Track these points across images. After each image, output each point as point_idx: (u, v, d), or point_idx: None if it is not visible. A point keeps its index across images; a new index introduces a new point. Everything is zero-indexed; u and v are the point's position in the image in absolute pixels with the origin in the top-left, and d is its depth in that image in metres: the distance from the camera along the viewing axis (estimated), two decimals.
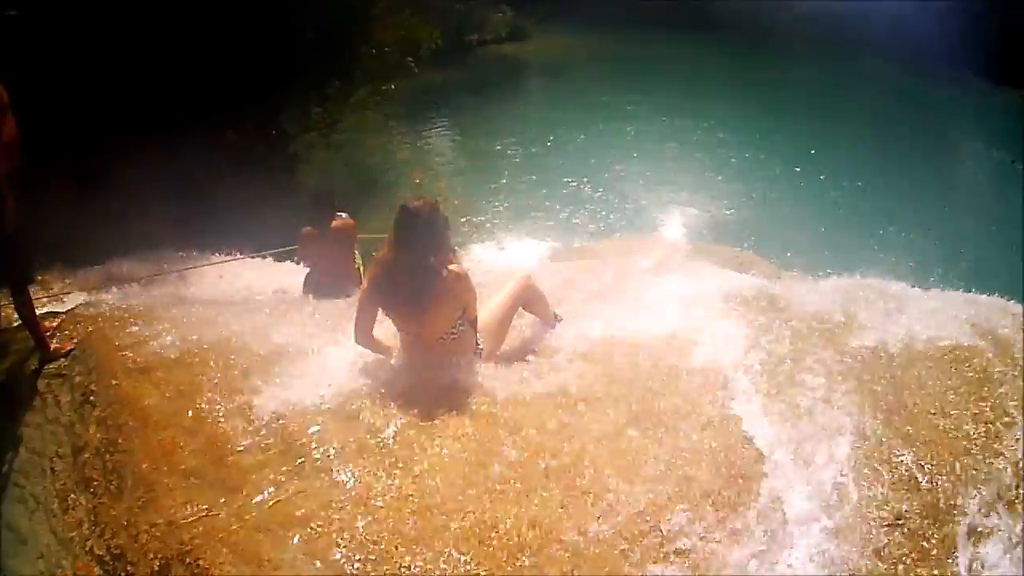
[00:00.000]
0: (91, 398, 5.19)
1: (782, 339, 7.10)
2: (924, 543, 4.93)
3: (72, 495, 4.66)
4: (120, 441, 4.85)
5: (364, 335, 6.12)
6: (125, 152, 10.76)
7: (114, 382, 5.36)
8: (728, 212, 18.47)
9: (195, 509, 4.65)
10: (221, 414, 5.46)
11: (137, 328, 6.43)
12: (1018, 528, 5.18)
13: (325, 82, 15.92)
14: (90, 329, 6.41)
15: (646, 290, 8.51)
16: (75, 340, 6.60)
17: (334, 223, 9.27)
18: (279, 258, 10.48)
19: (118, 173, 10.46)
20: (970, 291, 8.72)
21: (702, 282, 8.79)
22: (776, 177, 20.85)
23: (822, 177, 20.98)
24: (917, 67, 31.83)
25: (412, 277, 5.87)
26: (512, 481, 5.10)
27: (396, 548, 4.50)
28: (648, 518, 4.86)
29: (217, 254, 9.90)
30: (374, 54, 17.05)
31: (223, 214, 10.65)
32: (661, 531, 4.79)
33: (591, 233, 16.92)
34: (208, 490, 4.81)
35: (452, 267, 5.98)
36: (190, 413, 5.40)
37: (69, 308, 7.72)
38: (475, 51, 31.74)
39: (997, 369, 6.73)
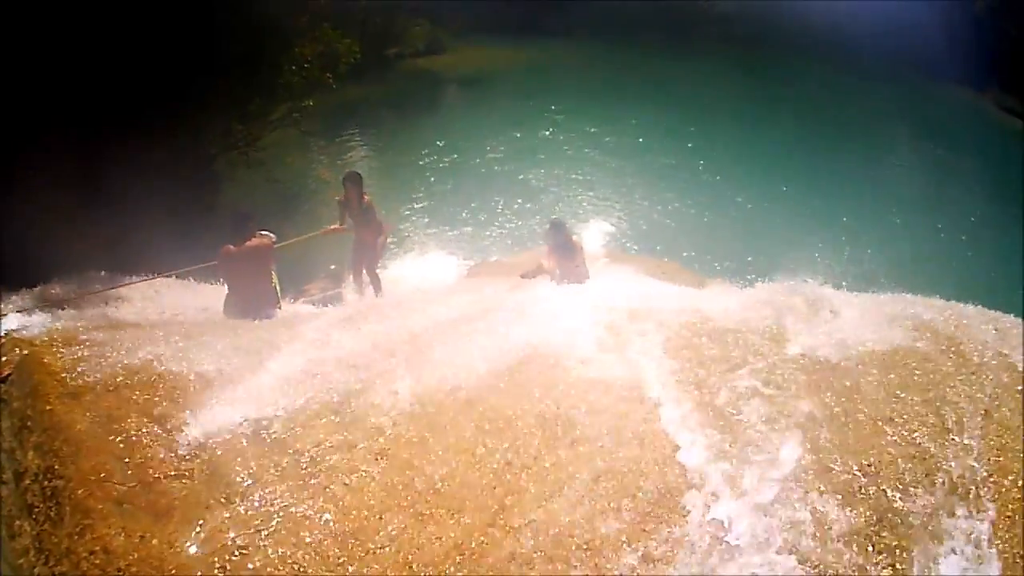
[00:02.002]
0: (28, 423, 5.30)
1: (708, 349, 7.30)
2: (875, 553, 5.14)
3: (18, 521, 4.78)
4: (56, 467, 4.96)
5: None
6: (49, 173, 10.67)
7: (48, 407, 5.46)
8: (650, 221, 18.71)
9: (130, 536, 4.78)
10: (148, 440, 5.59)
11: (68, 352, 6.50)
12: (978, 530, 5.40)
13: (246, 99, 15.87)
14: (25, 353, 6.49)
15: (564, 303, 8.70)
16: (12, 364, 6.61)
17: (250, 241, 9.36)
18: (202, 277, 10.52)
19: (43, 195, 10.39)
20: (911, 294, 8.98)
21: (622, 293, 9.09)
22: (699, 184, 21.12)
23: (748, 183, 21.25)
24: (853, 67, 32.85)
25: None
26: (434, 502, 5.28)
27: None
28: (577, 537, 5.07)
29: (143, 274, 9.91)
30: (294, 70, 17.05)
31: (148, 234, 10.67)
32: (590, 549, 5.00)
33: (509, 246, 17.08)
34: (141, 516, 4.95)
35: None
36: (119, 439, 5.52)
37: (5, 332, 7.75)
38: (393, 65, 31.76)
39: (942, 369, 6.99)
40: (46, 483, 4.83)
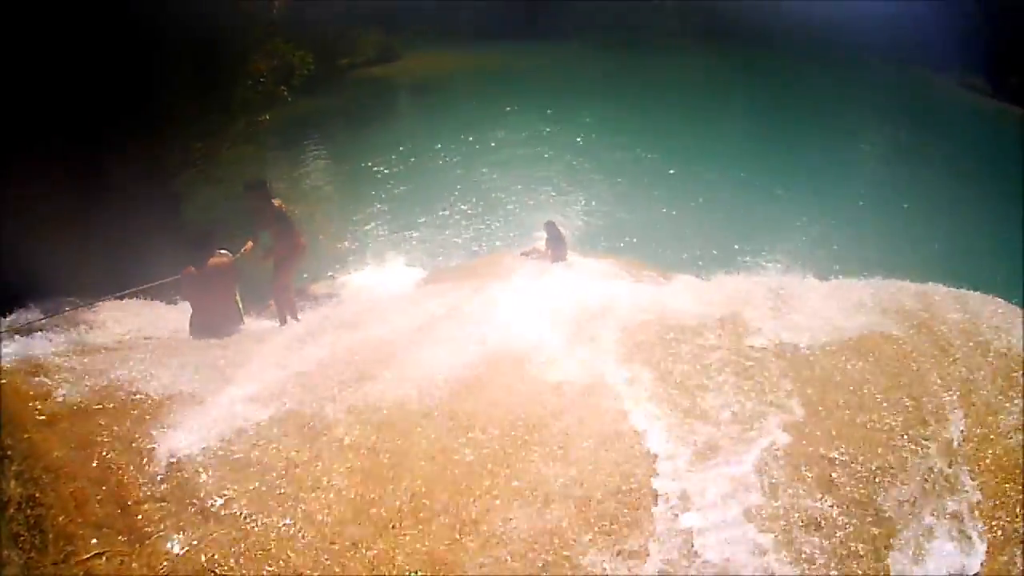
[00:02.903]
0: (8, 452, 5.32)
1: (670, 346, 7.49)
2: (851, 542, 5.31)
3: (6, 551, 4.80)
4: (37, 495, 5.07)
5: None
6: (7, 199, 10.69)
7: (26, 435, 5.57)
8: (611, 216, 18.89)
9: (110, 560, 4.93)
10: (122, 463, 5.74)
11: (42, 379, 6.61)
12: (960, 511, 5.57)
13: (203, 116, 15.89)
14: (2, 381, 6.48)
15: (525, 306, 8.88)
16: None
17: (212, 260, 9.49)
18: (169, 299, 10.62)
19: (3, 219, 10.43)
20: (880, 278, 9.18)
21: (584, 292, 9.26)
22: (659, 177, 21.35)
23: (708, 175, 21.55)
24: (817, 55, 33.52)
25: None
26: (403, 512, 5.47)
27: None
28: (547, 541, 5.26)
29: (109, 295, 9.97)
30: (249, 84, 17.08)
31: (113, 256, 10.75)
32: (561, 554, 5.17)
33: (467, 250, 17.30)
34: (119, 539, 5.10)
35: None
36: (95, 464, 5.66)
37: None
38: (346, 74, 31.75)
39: (916, 354, 7.19)
40: (29, 511, 4.93)
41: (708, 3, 39.97)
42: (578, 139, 24.76)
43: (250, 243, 10.02)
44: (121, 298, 9.79)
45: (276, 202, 10.31)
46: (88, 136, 12.77)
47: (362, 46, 33.47)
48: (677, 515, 5.51)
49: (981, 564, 5.32)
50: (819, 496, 5.63)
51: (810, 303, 8.32)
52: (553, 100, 28.53)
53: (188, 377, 7.09)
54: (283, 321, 10.37)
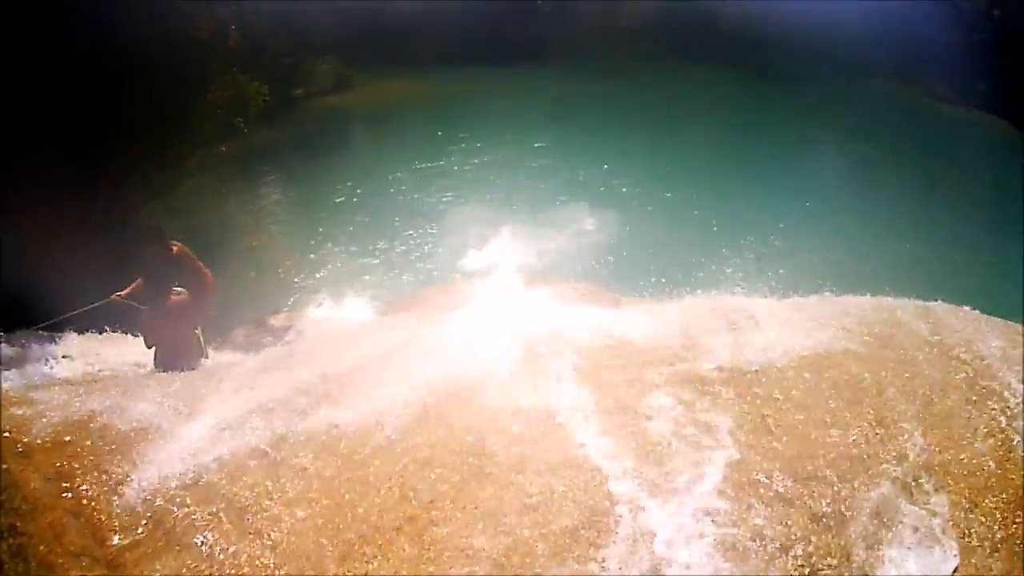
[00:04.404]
0: None
1: (625, 371, 7.59)
2: (815, 557, 5.42)
3: None
4: (18, 525, 5.23)
5: None
6: None
7: (4, 467, 5.69)
8: (564, 241, 18.99)
9: None
10: (96, 494, 5.96)
11: (16, 411, 6.80)
12: (928, 524, 5.67)
13: (162, 148, 16.02)
14: None
15: (481, 335, 9.02)
16: None
17: (171, 299, 9.71)
18: (133, 331, 10.71)
19: None
20: (837, 295, 9.27)
21: (539, 319, 9.35)
22: (614, 201, 21.50)
23: (663, 197, 21.93)
24: (774, 70, 33.82)
25: None
26: (364, 541, 5.72)
27: None
28: (509, 563, 5.46)
29: (74, 328, 10.11)
30: (206, 116, 17.22)
31: (76, 289, 10.63)
32: (524, 573, 5.37)
33: (424, 279, 17.59)
34: (98, 568, 5.33)
35: None
36: (70, 496, 5.88)
37: None
38: (302, 104, 31.78)
39: (876, 369, 7.28)
40: (12, 540, 5.08)
41: (678, 26, 40.23)
42: (534, 164, 25.09)
43: (138, 282, 9.73)
44: (51, 327, 9.95)
45: (175, 247, 9.91)
46: (48, 170, 12.83)
47: (317, 76, 33.49)
48: (637, 535, 5.67)
49: (955, 570, 5.50)
50: (781, 513, 5.78)
51: (767, 324, 8.38)
52: (511, 126, 28.75)
53: (155, 410, 7.27)
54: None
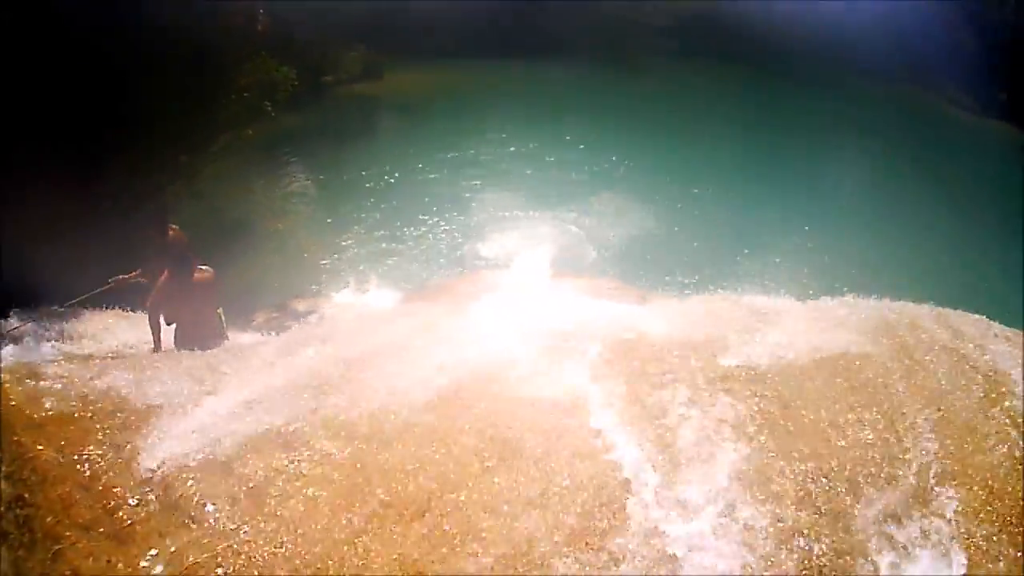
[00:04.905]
0: None
1: (645, 365, 7.55)
2: (827, 556, 5.44)
3: None
4: (26, 496, 5.18)
5: None
6: None
7: (15, 438, 5.68)
8: (593, 236, 18.96)
9: (97, 560, 5.07)
10: (108, 467, 5.89)
11: (31, 385, 6.71)
12: (937, 528, 5.70)
13: (188, 131, 16.03)
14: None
15: (503, 324, 8.96)
16: None
17: (194, 276, 9.59)
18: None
19: None
20: (859, 297, 9.18)
21: (562, 312, 9.32)
22: (644, 197, 21.23)
23: (695, 191, 21.72)
24: (811, 74, 33.41)
25: None
26: (380, 523, 5.62)
27: None
28: (520, 553, 5.38)
29: (94, 309, 10.03)
30: (234, 99, 17.20)
31: (96, 268, 10.54)
32: (536, 563, 5.31)
33: (449, 267, 17.43)
34: (106, 541, 5.25)
35: None
36: (82, 468, 5.81)
37: None
38: (330, 91, 31.65)
39: (892, 373, 7.25)
40: (18, 511, 5.03)
41: (700, 24, 40.05)
42: (562, 157, 24.81)
43: (135, 272, 9.79)
44: (72, 306, 9.89)
45: (172, 232, 9.97)
46: (76, 149, 12.79)
47: (346, 63, 33.40)
48: (651, 528, 5.63)
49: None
50: (794, 511, 5.75)
51: (788, 323, 8.37)
52: (539, 117, 28.63)
53: (173, 388, 7.21)
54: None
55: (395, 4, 35.38)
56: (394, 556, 5.36)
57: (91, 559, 5.07)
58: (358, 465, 6.20)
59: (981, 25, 32.72)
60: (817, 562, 5.41)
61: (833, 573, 5.37)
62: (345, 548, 5.41)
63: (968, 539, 5.70)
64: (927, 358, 7.58)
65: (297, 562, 5.30)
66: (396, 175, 23.11)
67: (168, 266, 9.15)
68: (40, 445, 5.83)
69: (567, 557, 5.37)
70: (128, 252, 11.45)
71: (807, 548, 5.47)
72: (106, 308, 10.20)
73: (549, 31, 38.99)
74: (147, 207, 13.93)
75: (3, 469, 5.29)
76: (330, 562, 5.31)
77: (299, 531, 5.51)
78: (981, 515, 5.89)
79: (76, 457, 5.90)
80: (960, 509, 5.91)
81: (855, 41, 34.22)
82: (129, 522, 5.45)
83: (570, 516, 5.69)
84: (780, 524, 5.63)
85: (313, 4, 27.05)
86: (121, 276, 9.74)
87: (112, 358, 8.34)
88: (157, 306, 9.27)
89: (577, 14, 40.61)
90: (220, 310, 9.99)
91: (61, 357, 8.30)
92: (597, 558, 5.37)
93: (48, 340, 9.07)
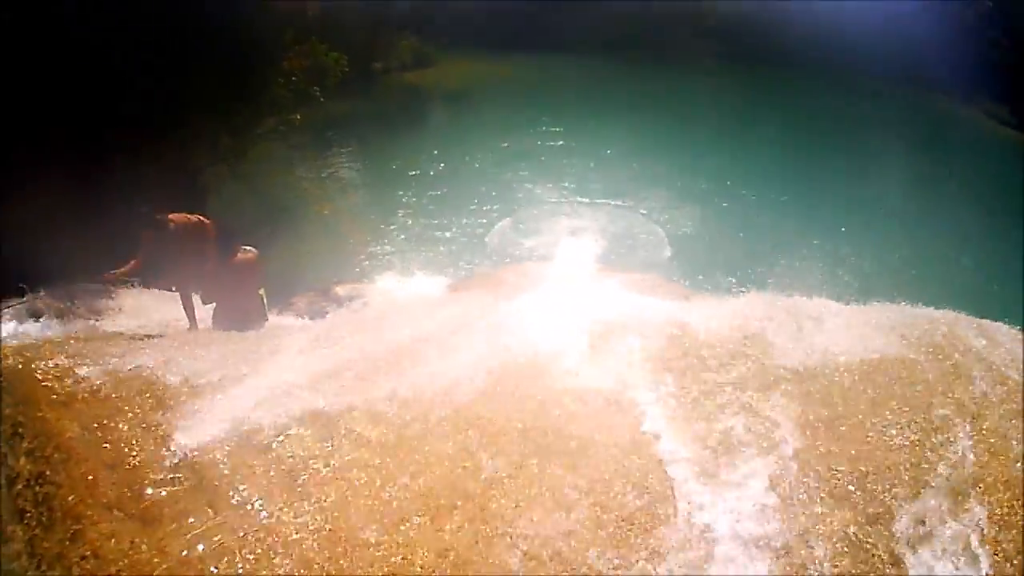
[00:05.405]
0: (20, 430, 5.32)
1: (692, 361, 7.41)
2: (870, 555, 5.30)
3: (9, 526, 4.78)
4: (47, 473, 5.02)
5: None
6: (40, 184, 10.66)
7: (39, 414, 5.53)
8: (639, 232, 18.73)
9: (119, 542, 4.85)
10: (137, 448, 5.65)
11: (59, 360, 6.52)
12: (966, 533, 5.53)
13: (234, 112, 15.88)
14: (18, 362, 6.43)
15: (549, 316, 8.75)
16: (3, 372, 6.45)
17: (237, 257, 9.40)
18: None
19: (33, 205, 10.44)
20: (899, 303, 8.97)
21: (607, 307, 9.08)
22: (689, 195, 21.11)
23: (738, 195, 21.47)
24: (843, 79, 33.41)
25: None
26: (418, 511, 5.38)
27: None
28: (562, 547, 5.17)
29: (131, 287, 9.86)
30: (281, 83, 17.11)
31: (135, 245, 10.52)
32: (575, 560, 5.08)
33: (494, 260, 17.14)
34: (130, 522, 5.02)
35: None
36: (108, 446, 5.58)
37: None
38: (379, 79, 31.73)
39: (929, 377, 7.13)
40: (38, 488, 4.89)
41: (737, 23, 39.80)
42: (609, 151, 24.60)
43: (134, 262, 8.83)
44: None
45: (172, 222, 8.91)
46: (120, 128, 12.72)
47: (397, 51, 33.45)
48: (694, 524, 5.49)
49: None
50: (835, 511, 5.64)
51: (829, 326, 8.23)
52: (587, 113, 28.40)
53: (209, 368, 6.99)
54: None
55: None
56: (435, 546, 5.15)
57: (113, 540, 4.87)
58: (399, 453, 5.98)
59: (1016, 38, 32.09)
60: (856, 563, 5.30)
61: (864, 572, 5.25)
62: (383, 537, 5.18)
63: (994, 549, 5.54)
64: (964, 366, 7.44)
65: (334, 548, 5.07)
66: (445, 164, 23.06)
67: (202, 252, 8.94)
68: (65, 422, 5.64)
69: (610, 551, 5.22)
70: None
71: (846, 549, 5.37)
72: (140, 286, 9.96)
73: (593, 27, 38.81)
74: (186, 187, 13.85)
75: (24, 445, 5.11)
76: (367, 551, 5.08)
77: (335, 519, 5.27)
78: (1007, 526, 5.72)
79: (103, 435, 5.68)
80: (988, 518, 5.75)
81: (897, 54, 33.80)
82: (156, 504, 5.22)
83: (614, 513, 5.53)
84: (820, 523, 5.55)
85: None
86: (112, 272, 8.89)
87: (146, 337, 8.13)
88: (188, 286, 9.06)
89: (621, 10, 40.33)
90: (262, 291, 9.81)
91: (93, 334, 8.11)
92: (643, 555, 5.22)
93: (79, 316, 8.89)
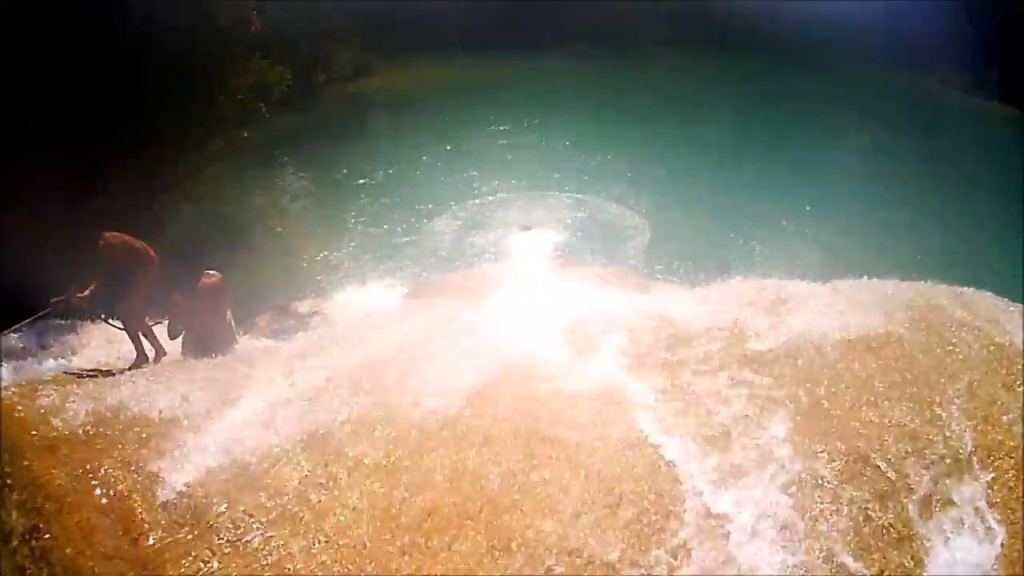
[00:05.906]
0: (8, 481, 5.02)
1: (677, 352, 7.48)
2: (881, 527, 5.37)
3: None
4: (42, 526, 4.84)
5: None
6: None
7: (25, 463, 5.34)
8: (593, 225, 18.78)
9: None
10: (127, 490, 5.52)
11: (37, 404, 6.38)
12: (976, 498, 5.65)
13: (184, 134, 15.71)
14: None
15: (521, 318, 8.77)
16: None
17: (202, 282, 9.27)
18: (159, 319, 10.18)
19: None
20: (879, 278, 9.10)
21: (578, 303, 9.20)
22: (645, 184, 21.18)
23: (700, 180, 21.52)
24: (819, 62, 33.56)
25: None
26: (425, 531, 5.28)
27: None
28: (576, 552, 5.13)
29: (96, 321, 9.66)
30: (225, 101, 16.95)
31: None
32: (595, 562, 5.06)
33: (449, 263, 17.07)
34: (131, 570, 4.90)
35: None
36: (99, 492, 5.44)
37: None
38: (323, 90, 31.60)
39: (918, 353, 7.21)
40: (34, 543, 4.69)
41: (697, 6, 40.06)
42: (560, 147, 24.83)
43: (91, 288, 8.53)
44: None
45: (102, 241, 8.64)
46: (76, 153, 12.53)
47: (339, 62, 33.27)
48: (704, 518, 5.49)
49: (1001, 545, 5.40)
50: (839, 490, 5.67)
51: (810, 305, 8.30)
52: (535, 109, 28.53)
53: (187, 398, 6.86)
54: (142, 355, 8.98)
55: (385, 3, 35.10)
56: (447, 566, 5.06)
57: None
58: (398, 472, 5.90)
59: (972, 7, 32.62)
60: (869, 542, 5.34)
61: (880, 548, 5.30)
62: (396, 560, 5.09)
63: (1003, 514, 5.63)
64: (949, 336, 7.56)
65: None
66: (392, 171, 23.09)
67: (147, 280, 8.84)
68: (53, 469, 5.49)
69: (629, 555, 5.18)
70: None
71: (858, 528, 5.40)
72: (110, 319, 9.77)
73: (552, 23, 38.89)
74: (144, 213, 13.64)
75: (14, 497, 4.99)
76: None
77: (343, 547, 5.18)
78: (1012, 491, 5.81)
79: (93, 480, 5.55)
80: (993, 485, 5.85)
81: (850, 25, 34.15)
82: (155, 549, 5.10)
83: (625, 513, 5.51)
84: (829, 504, 5.57)
85: (304, 3, 26.75)
86: (58, 298, 8.60)
87: (121, 372, 8.00)
88: (134, 316, 8.86)
89: (577, 8, 40.46)
90: (229, 313, 9.71)
91: (66, 372, 7.96)
92: (659, 551, 5.23)
93: (50, 356, 8.72)
